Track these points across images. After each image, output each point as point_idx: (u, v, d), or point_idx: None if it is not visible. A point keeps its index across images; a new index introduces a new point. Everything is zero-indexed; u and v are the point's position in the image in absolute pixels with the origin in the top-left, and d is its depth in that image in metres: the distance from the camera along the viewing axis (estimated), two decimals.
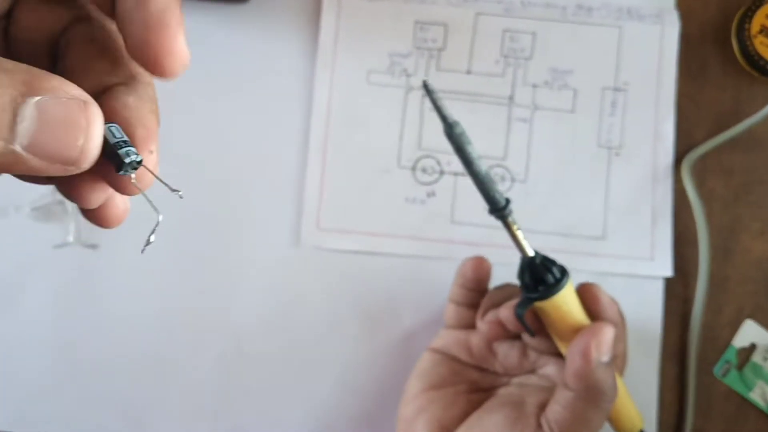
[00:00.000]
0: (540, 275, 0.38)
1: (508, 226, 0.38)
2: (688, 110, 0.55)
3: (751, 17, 0.54)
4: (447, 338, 0.46)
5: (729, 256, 0.54)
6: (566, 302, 0.39)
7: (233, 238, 0.53)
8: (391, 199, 0.53)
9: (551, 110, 0.54)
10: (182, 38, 0.20)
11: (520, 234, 0.38)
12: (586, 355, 0.36)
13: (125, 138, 0.20)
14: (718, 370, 0.53)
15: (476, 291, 0.46)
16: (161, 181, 0.22)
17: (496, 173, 0.54)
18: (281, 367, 0.52)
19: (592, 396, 0.37)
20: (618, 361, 0.42)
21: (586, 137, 0.54)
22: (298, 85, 0.54)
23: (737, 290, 0.54)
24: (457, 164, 0.53)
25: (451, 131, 0.35)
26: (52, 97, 0.17)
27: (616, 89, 0.54)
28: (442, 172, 0.54)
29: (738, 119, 0.54)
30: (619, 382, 0.41)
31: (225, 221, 0.53)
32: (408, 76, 0.54)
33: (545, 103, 0.54)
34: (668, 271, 0.53)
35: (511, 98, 0.54)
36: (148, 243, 0.24)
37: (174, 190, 0.24)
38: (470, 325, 0.46)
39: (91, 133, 0.18)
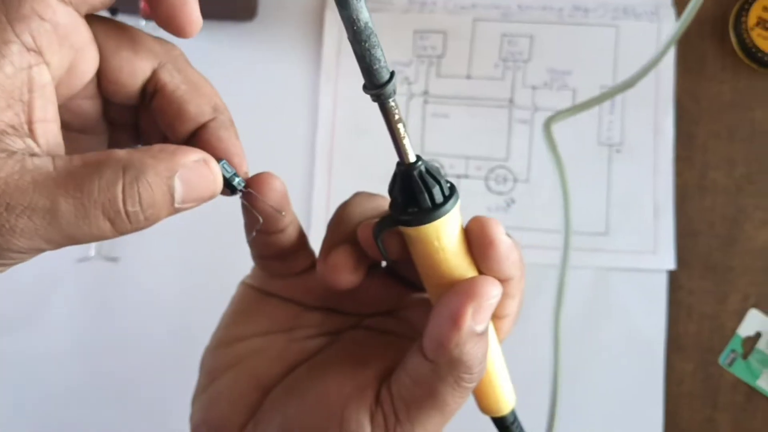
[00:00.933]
0: (415, 192, 0.26)
1: (386, 112, 0.26)
2: (688, 105, 0.56)
3: (747, 10, 0.55)
4: (267, 279, 0.34)
5: (733, 246, 0.55)
6: (443, 236, 0.27)
7: (246, 249, 0.55)
8: None
9: (551, 111, 0.56)
10: (197, 9, 0.26)
11: (401, 128, 0.26)
12: (455, 321, 0.26)
13: (233, 171, 0.28)
14: (724, 359, 0.54)
15: (276, 233, 0.33)
16: (263, 201, 0.30)
17: (498, 174, 0.56)
18: None
19: (454, 372, 0.27)
20: (506, 322, 0.31)
21: (587, 136, 0.56)
22: (304, 97, 0.57)
23: (741, 280, 0.55)
24: (460, 167, 0.56)
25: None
26: (186, 168, 0.25)
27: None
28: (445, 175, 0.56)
29: (738, 112, 0.55)
30: (495, 348, 0.30)
31: (237, 232, 0.56)
32: (409, 84, 0.57)
33: (545, 103, 0.56)
34: (671, 264, 0.55)
35: (511, 100, 0.56)
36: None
37: (277, 211, 0.30)
38: (292, 275, 0.33)
39: (216, 179, 0.27)
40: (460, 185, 0.56)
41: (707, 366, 0.54)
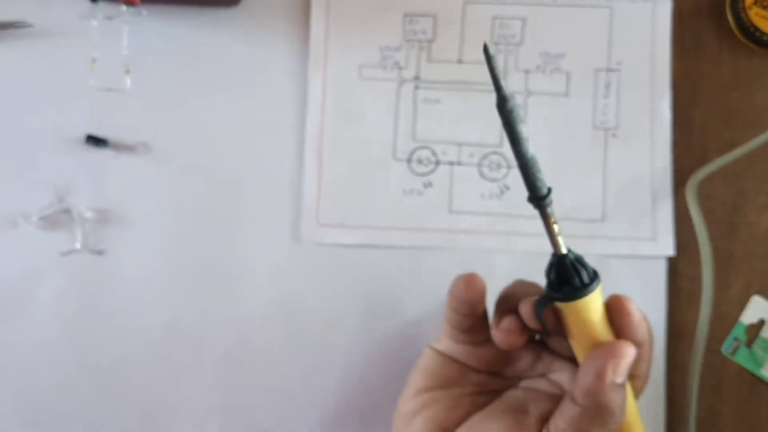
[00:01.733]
0: (567, 275, 0.36)
1: (545, 218, 0.36)
2: (685, 87, 0.56)
3: None
4: (452, 346, 0.44)
5: (734, 232, 0.55)
6: (590, 309, 0.36)
7: (234, 237, 0.55)
8: (389, 191, 0.55)
9: (545, 95, 0.56)
10: None
11: (556, 228, 0.37)
12: (600, 374, 0.35)
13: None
14: (726, 347, 0.53)
15: (472, 315, 0.42)
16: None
17: (492, 161, 0.55)
18: (286, 362, 0.54)
19: (599, 415, 0.36)
20: (638, 381, 0.40)
21: (582, 120, 0.55)
22: (292, 83, 0.56)
23: (744, 266, 0.54)
24: (452, 154, 0.56)
25: (503, 104, 0.34)
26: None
27: (610, 70, 0.55)
28: (437, 163, 0.55)
29: (737, 94, 0.55)
30: (631, 401, 0.39)
31: (226, 221, 0.55)
32: (400, 69, 0.56)
33: (538, 87, 0.56)
34: (670, 250, 0.54)
35: None
36: None
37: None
38: (472, 344, 0.43)
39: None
40: (453, 172, 0.55)
41: (710, 354, 0.53)
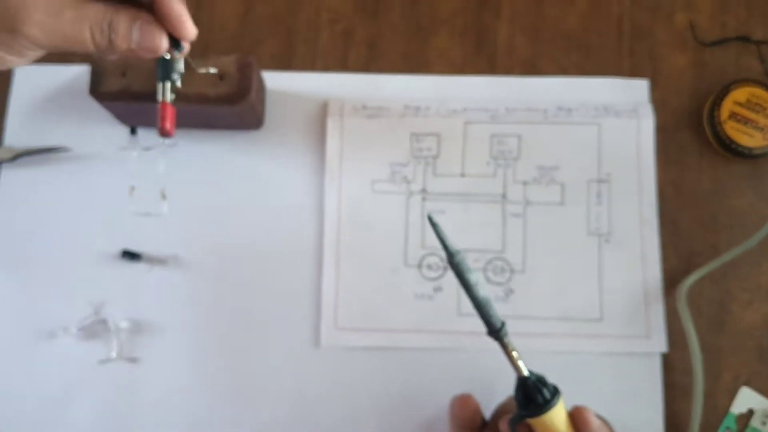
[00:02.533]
0: (531, 395, 0.43)
1: (504, 347, 0.43)
2: (670, 195, 0.61)
3: (719, 104, 0.61)
4: None
5: (722, 328, 0.60)
6: (555, 421, 0.43)
7: (258, 343, 0.60)
8: (402, 295, 0.60)
9: (542, 204, 0.61)
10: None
11: (515, 354, 0.43)
12: None
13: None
14: None
15: (471, 428, 0.49)
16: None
17: (496, 266, 0.61)
18: None
19: None
20: None
21: (577, 227, 0.61)
22: (310, 196, 0.62)
23: (732, 359, 0.59)
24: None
25: (452, 260, 0.41)
26: (142, 24, 0.39)
27: (600, 181, 0.61)
28: (446, 268, 0.61)
29: (717, 199, 0.60)
30: None
31: (250, 327, 0.60)
32: (408, 182, 0.62)
33: (536, 197, 0.61)
34: (663, 347, 0.59)
35: (503, 196, 0.61)
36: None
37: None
38: None
39: (163, 39, 0.40)
40: None
41: None
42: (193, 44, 0.64)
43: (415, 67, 0.64)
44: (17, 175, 0.63)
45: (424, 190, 0.62)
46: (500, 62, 0.64)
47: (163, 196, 0.55)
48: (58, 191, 0.62)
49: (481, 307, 0.42)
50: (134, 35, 0.38)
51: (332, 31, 0.65)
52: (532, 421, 0.44)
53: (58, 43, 0.37)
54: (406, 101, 0.63)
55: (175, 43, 0.40)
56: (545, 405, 0.43)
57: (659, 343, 0.59)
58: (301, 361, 0.59)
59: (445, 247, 0.42)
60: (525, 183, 0.62)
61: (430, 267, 0.61)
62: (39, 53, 0.39)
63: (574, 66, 0.64)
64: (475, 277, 0.42)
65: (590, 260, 0.60)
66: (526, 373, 0.43)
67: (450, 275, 0.60)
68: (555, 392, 0.44)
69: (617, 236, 0.61)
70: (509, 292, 0.60)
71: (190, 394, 0.59)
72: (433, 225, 0.42)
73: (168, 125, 0.54)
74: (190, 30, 0.40)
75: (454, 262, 0.41)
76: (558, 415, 0.44)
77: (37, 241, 0.61)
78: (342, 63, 0.65)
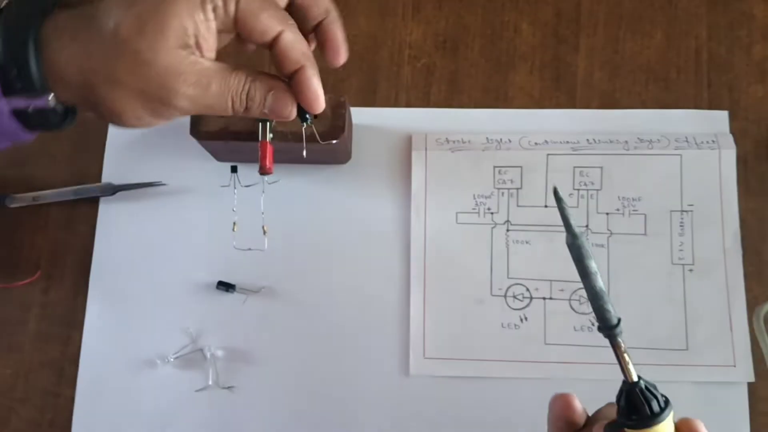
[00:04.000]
0: (637, 403, 0.38)
1: (615, 347, 0.39)
2: (752, 224, 0.63)
3: None
4: None
5: None
6: None
7: (350, 372, 0.62)
8: (488, 325, 0.62)
9: (625, 234, 0.63)
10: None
11: (626, 356, 0.39)
12: None
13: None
14: None
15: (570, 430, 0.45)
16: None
17: (581, 296, 0.62)
18: None
19: None
20: None
21: (661, 257, 0.63)
22: (397, 228, 0.65)
23: None
24: (544, 290, 0.63)
25: (573, 242, 0.37)
26: (277, 92, 0.41)
27: (683, 211, 0.63)
28: (531, 298, 0.63)
29: None
30: None
31: (341, 356, 0.63)
32: (492, 213, 0.64)
33: (619, 228, 0.63)
34: (750, 376, 0.60)
35: (587, 226, 0.63)
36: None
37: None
38: None
39: (293, 109, 0.42)
40: (546, 307, 0.62)
41: None
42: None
43: (495, 101, 0.67)
44: (115, 209, 0.66)
45: (508, 221, 0.64)
46: (579, 96, 0.66)
47: (264, 232, 0.58)
48: (154, 224, 0.66)
49: (598, 299, 0.38)
50: (268, 102, 0.41)
51: (414, 67, 0.68)
52: None
53: (201, 111, 0.40)
54: (488, 134, 0.66)
55: (301, 112, 0.43)
56: (653, 417, 0.38)
57: (746, 373, 0.60)
58: (391, 390, 0.62)
59: (568, 227, 0.38)
60: (608, 214, 0.64)
61: (515, 297, 0.63)
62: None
63: (653, 99, 0.66)
64: (595, 267, 0.38)
65: (675, 290, 0.62)
66: (635, 378, 0.39)
67: (536, 305, 0.62)
68: (666, 404, 0.39)
69: (701, 266, 0.62)
70: (594, 321, 0.62)
71: (283, 421, 0.62)
72: (558, 200, 0.38)
73: (268, 163, 0.58)
74: (321, 106, 0.42)
75: (575, 245, 0.37)
76: (666, 429, 0.38)
77: (135, 273, 0.65)
78: (424, 98, 0.67)
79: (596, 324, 0.39)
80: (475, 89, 0.67)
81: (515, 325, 0.63)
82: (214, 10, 0.38)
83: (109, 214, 0.66)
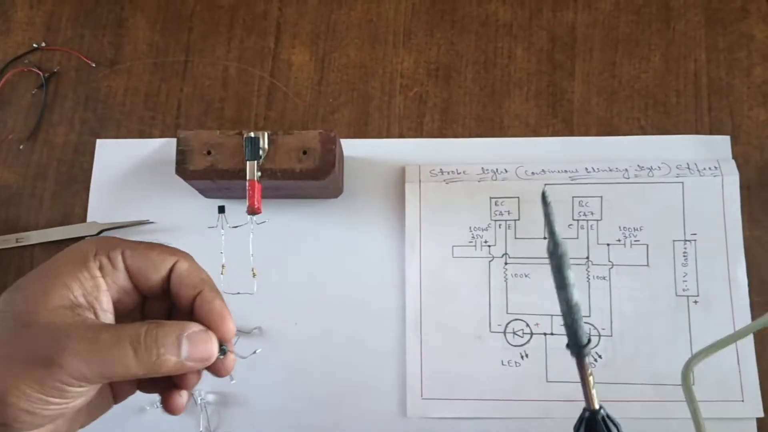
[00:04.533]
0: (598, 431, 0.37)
1: (581, 367, 0.37)
2: (757, 253, 0.61)
3: None
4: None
5: None
6: None
7: (344, 413, 0.60)
8: (488, 363, 0.61)
9: (627, 266, 0.61)
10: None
11: (591, 380, 0.37)
12: None
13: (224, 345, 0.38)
14: None
15: None
16: (237, 355, 0.39)
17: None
18: None
19: None
20: None
21: (664, 288, 0.61)
22: (391, 263, 0.63)
23: None
24: (545, 324, 0.61)
25: (554, 250, 0.35)
26: (192, 332, 0.35)
27: (686, 240, 0.61)
28: (532, 334, 0.61)
29: None
30: None
31: (335, 396, 0.61)
32: (489, 246, 0.63)
33: (620, 259, 0.62)
34: (759, 411, 0.58)
35: (587, 258, 0.62)
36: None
37: (246, 356, 0.40)
38: None
39: (214, 344, 0.36)
40: (547, 343, 0.61)
41: None
42: (273, 115, 0.66)
43: (489, 130, 0.65)
44: None
45: (506, 254, 0.62)
46: (576, 123, 0.65)
47: (254, 275, 0.56)
48: None
49: (572, 313, 0.36)
50: (184, 345, 0.35)
51: (406, 96, 0.67)
52: None
53: (100, 373, 0.33)
54: (483, 164, 0.64)
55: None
56: None
57: (754, 408, 0.58)
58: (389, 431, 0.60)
59: (552, 233, 0.36)
60: (609, 244, 0.62)
61: (515, 333, 0.61)
62: (84, 390, 0.34)
63: (652, 125, 0.64)
64: (574, 278, 0.36)
65: (679, 322, 0.60)
66: (597, 405, 0.38)
67: (537, 341, 0.60)
68: None
69: (706, 297, 0.61)
70: (597, 357, 0.60)
71: None
72: (545, 204, 0.36)
73: (256, 203, 0.56)
74: (232, 329, 0.38)
75: (557, 253, 0.35)
76: None
77: None
78: (417, 128, 0.66)
79: (566, 342, 0.37)
80: (469, 118, 0.66)
81: (516, 362, 0.61)
82: (101, 268, 0.36)
83: None
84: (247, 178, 0.57)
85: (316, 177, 0.58)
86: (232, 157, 0.58)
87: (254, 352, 0.43)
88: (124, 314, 0.38)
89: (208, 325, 0.37)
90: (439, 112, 0.66)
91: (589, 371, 0.37)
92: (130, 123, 0.68)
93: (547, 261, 0.62)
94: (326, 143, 0.58)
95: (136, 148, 0.67)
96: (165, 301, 0.39)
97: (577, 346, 0.36)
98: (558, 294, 0.36)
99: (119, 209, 0.65)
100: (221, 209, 0.59)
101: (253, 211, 0.57)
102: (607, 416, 0.38)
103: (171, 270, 0.38)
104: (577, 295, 0.36)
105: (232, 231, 0.59)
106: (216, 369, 0.38)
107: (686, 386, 0.54)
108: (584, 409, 0.38)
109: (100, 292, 0.36)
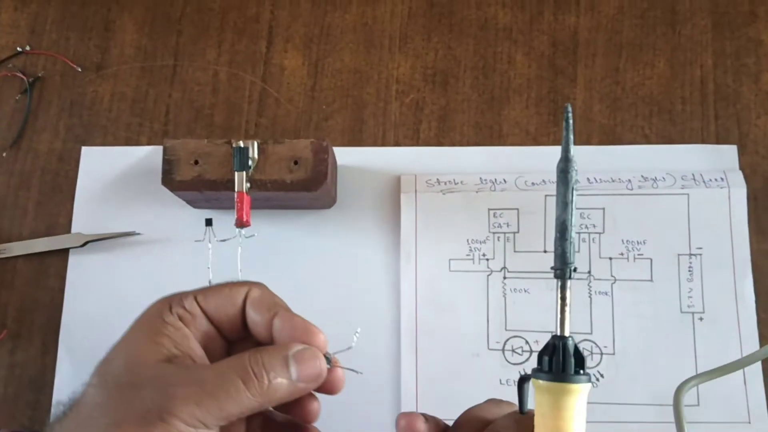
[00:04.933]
0: (564, 357, 0.34)
1: (563, 290, 0.34)
2: (766, 268, 0.59)
3: None
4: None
5: None
6: (569, 405, 0.33)
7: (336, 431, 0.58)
8: (485, 382, 0.59)
9: (630, 281, 0.59)
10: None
11: (567, 309, 0.34)
12: None
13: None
14: None
15: None
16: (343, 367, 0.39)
17: (584, 348, 0.59)
18: None
19: None
20: None
21: (668, 304, 0.59)
22: (386, 276, 0.61)
23: None
24: (544, 342, 0.59)
25: (565, 167, 0.34)
26: (297, 351, 0.35)
27: (692, 255, 0.59)
28: (531, 351, 0.59)
29: None
30: None
31: (328, 419, 0.58)
32: (487, 260, 0.61)
33: (623, 274, 0.59)
34: None
35: (589, 272, 0.60)
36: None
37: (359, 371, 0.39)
38: None
39: (321, 359, 0.36)
40: None
41: None
42: (264, 122, 0.64)
43: (488, 138, 0.63)
44: (86, 262, 0.62)
45: (504, 268, 0.60)
46: (578, 131, 0.63)
47: None
48: (129, 277, 0.62)
49: (566, 231, 0.34)
50: (292, 365, 0.34)
51: (402, 103, 0.65)
52: (546, 385, 0.34)
53: (215, 410, 0.32)
54: (482, 174, 0.62)
55: None
56: (575, 374, 0.33)
57: (761, 430, 0.56)
58: None
59: (566, 150, 0.34)
60: (611, 258, 0.60)
61: (514, 351, 0.59)
62: None
63: (657, 133, 0.62)
64: (576, 203, 0.34)
65: (684, 340, 0.58)
66: (568, 332, 0.34)
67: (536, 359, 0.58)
68: (587, 377, 0.34)
69: (711, 314, 0.58)
70: (599, 376, 0.58)
71: None
72: (567, 119, 0.34)
73: (245, 216, 0.54)
74: (324, 339, 0.37)
75: (567, 171, 0.34)
76: (574, 401, 0.33)
77: (108, 331, 0.60)
78: (413, 136, 0.64)
79: (553, 263, 0.35)
80: (467, 126, 0.64)
81: (514, 381, 0.59)
82: (181, 318, 0.36)
83: (80, 267, 0.63)
84: (236, 189, 0.55)
85: (307, 188, 0.56)
86: (220, 166, 0.56)
87: (349, 348, 0.41)
88: (214, 362, 0.37)
89: (296, 339, 0.36)
90: (436, 119, 0.64)
91: (568, 294, 0.34)
92: (117, 130, 0.66)
93: (546, 275, 0.60)
94: (318, 153, 0.56)
95: (123, 156, 0.65)
96: (249, 342, 0.38)
97: (564, 267, 0.34)
98: (557, 212, 0.34)
99: (105, 220, 0.63)
100: (208, 222, 0.56)
101: (241, 224, 0.55)
102: (575, 346, 0.34)
103: (245, 301, 0.37)
104: (574, 216, 0.34)
105: (220, 244, 0.57)
106: (329, 386, 0.37)
107: (676, 411, 0.52)
108: (553, 336, 0.34)
109: (189, 341, 0.35)
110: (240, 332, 0.38)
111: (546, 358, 0.34)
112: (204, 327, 0.36)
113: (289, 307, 0.38)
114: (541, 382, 0.34)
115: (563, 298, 0.34)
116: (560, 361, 0.33)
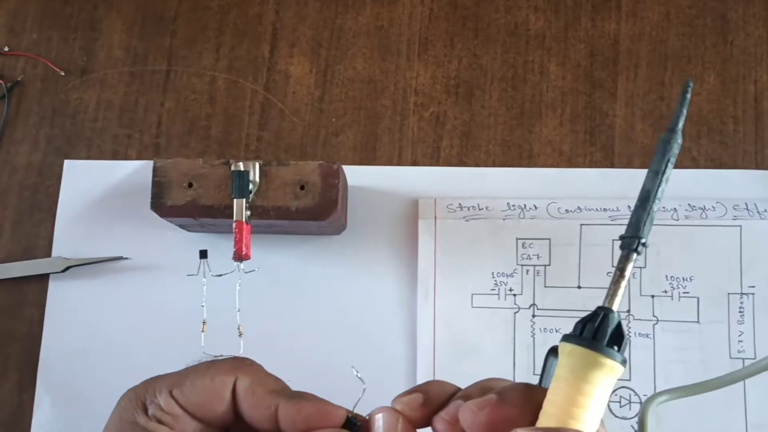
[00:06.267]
0: (603, 328, 0.30)
1: (623, 265, 0.31)
2: None
3: None
4: None
5: None
6: (592, 380, 0.29)
7: None
8: None
9: (674, 321, 0.54)
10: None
11: (623, 284, 0.31)
12: None
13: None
14: None
15: None
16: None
17: (621, 397, 0.53)
18: None
19: None
20: None
21: (716, 349, 0.53)
22: (401, 312, 0.55)
23: None
24: None
25: (668, 137, 0.32)
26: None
27: (743, 294, 0.54)
28: None
29: None
30: None
31: None
32: (514, 296, 0.55)
33: (667, 314, 0.54)
34: None
35: (629, 312, 0.54)
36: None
37: None
38: None
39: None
40: None
41: None
42: (267, 136, 0.58)
43: (517, 158, 0.57)
44: (68, 288, 0.57)
45: (533, 305, 0.55)
46: (618, 153, 0.57)
47: (240, 334, 0.49)
48: (114, 307, 0.57)
49: (646, 201, 0.31)
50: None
51: (421, 117, 0.58)
52: (570, 354, 0.30)
53: None
54: (509, 199, 0.56)
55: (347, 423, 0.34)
56: (610, 347, 0.29)
57: None
58: None
59: (674, 124, 0.32)
60: (653, 296, 0.54)
61: None
62: None
63: (706, 156, 0.56)
64: (670, 173, 0.32)
65: (734, 390, 0.53)
66: (617, 306, 0.31)
67: None
68: (623, 358, 0.30)
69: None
70: (637, 429, 0.53)
71: None
72: (685, 93, 0.32)
73: (244, 249, 0.48)
74: (340, 414, 0.34)
75: (668, 141, 0.32)
76: (604, 381, 0.29)
77: (90, 365, 0.56)
78: (433, 154, 0.58)
79: (624, 232, 0.31)
80: (493, 144, 0.58)
81: None
82: (159, 421, 0.31)
83: (61, 295, 0.57)
84: (234, 218, 0.49)
85: (315, 217, 0.50)
86: (217, 190, 0.50)
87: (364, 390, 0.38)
88: None
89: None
90: (459, 136, 0.58)
91: (630, 269, 0.31)
92: (103, 142, 0.60)
93: (580, 313, 0.54)
94: (328, 177, 0.50)
95: (110, 171, 0.59)
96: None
97: (633, 238, 0.31)
98: (647, 179, 0.31)
99: (89, 242, 0.58)
100: (203, 254, 0.50)
101: (240, 257, 0.49)
102: (620, 325, 0.31)
103: (234, 392, 0.32)
104: (663, 191, 0.31)
105: (216, 278, 0.51)
106: None
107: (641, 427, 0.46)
108: (598, 307, 0.31)
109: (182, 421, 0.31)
110: (233, 420, 0.33)
111: (581, 325, 0.30)
112: (190, 428, 0.31)
113: (289, 387, 0.34)
114: (568, 345, 0.30)
115: (622, 269, 0.31)
116: (595, 328, 0.29)
